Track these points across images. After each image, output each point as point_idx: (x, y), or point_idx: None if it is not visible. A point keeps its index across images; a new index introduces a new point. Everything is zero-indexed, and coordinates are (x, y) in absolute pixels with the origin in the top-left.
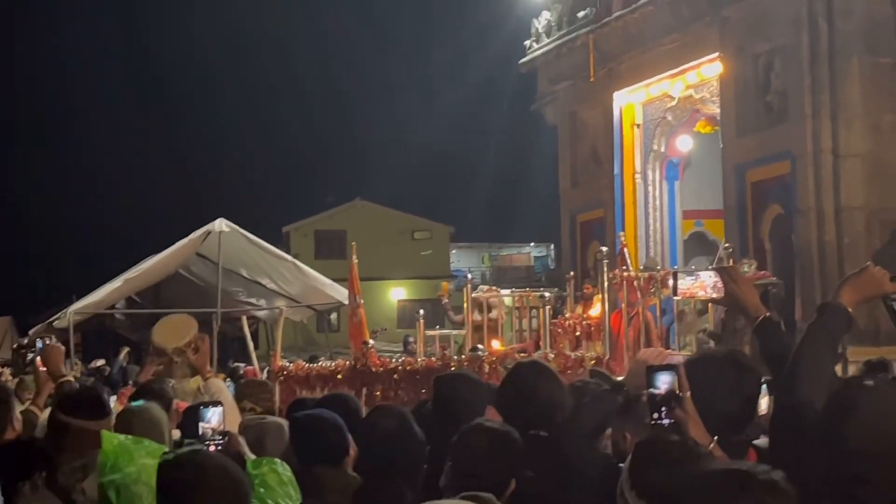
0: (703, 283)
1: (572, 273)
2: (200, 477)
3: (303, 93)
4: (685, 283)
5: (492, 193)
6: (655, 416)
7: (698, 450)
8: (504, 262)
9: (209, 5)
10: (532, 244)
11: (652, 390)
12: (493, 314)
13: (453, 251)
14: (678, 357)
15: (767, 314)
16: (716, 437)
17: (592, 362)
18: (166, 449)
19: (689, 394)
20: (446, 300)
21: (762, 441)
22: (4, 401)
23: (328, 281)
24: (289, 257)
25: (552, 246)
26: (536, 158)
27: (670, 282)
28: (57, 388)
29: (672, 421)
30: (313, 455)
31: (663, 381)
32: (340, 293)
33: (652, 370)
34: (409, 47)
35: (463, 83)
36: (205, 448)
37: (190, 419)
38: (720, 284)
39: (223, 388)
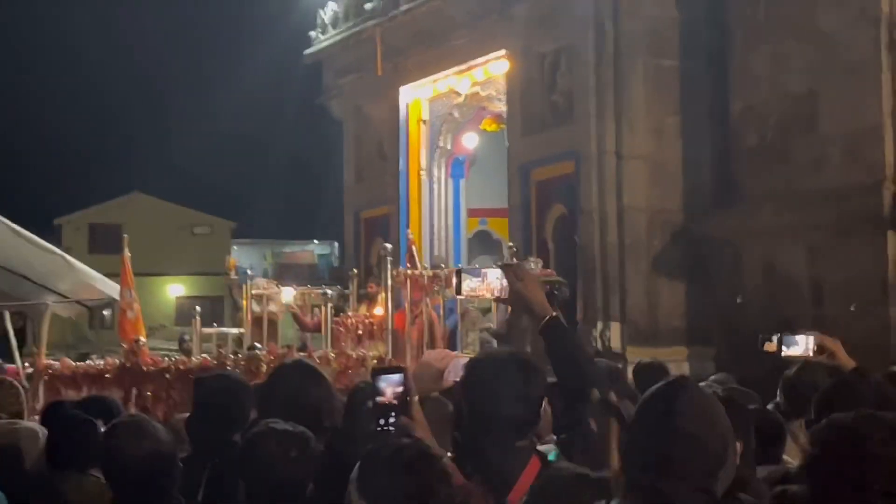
0: (488, 284)
1: (356, 270)
2: None
3: (80, 78)
4: (471, 283)
5: (276, 189)
6: (381, 422)
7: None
8: (287, 259)
9: None
10: (315, 242)
11: (378, 397)
12: (273, 308)
13: (234, 248)
14: (463, 358)
15: (554, 314)
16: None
17: (374, 361)
18: None
19: (416, 398)
20: (234, 277)
21: (546, 447)
22: None
23: (99, 276)
24: (57, 250)
25: (336, 244)
26: (322, 154)
27: (454, 280)
28: None
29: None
30: (65, 461)
31: (389, 385)
32: (113, 289)
33: (377, 374)
34: (193, 36)
35: (248, 75)
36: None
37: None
38: (506, 283)
39: None
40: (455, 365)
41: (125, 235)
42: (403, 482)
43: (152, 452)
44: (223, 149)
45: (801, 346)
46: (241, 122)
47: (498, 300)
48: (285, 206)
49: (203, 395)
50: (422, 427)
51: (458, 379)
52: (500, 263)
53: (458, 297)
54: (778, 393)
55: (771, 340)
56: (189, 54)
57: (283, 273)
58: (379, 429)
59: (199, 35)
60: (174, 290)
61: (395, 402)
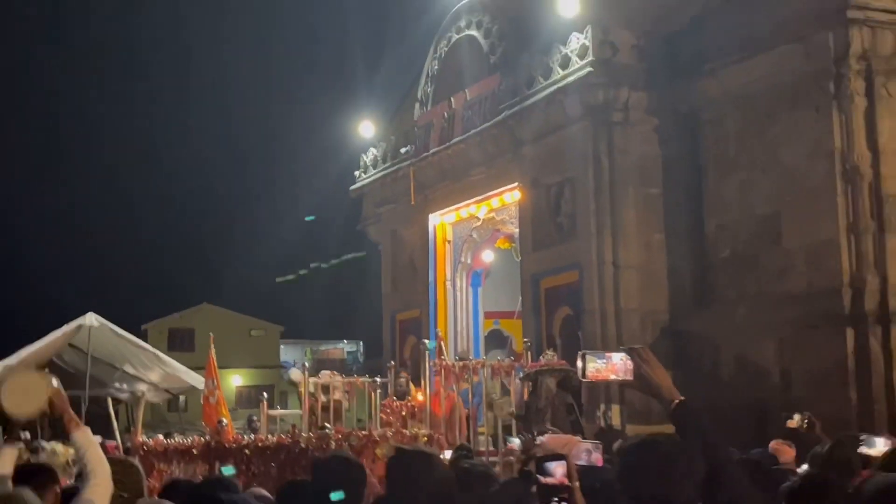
0: (613, 365)
1: (392, 363)
2: None
3: (162, 206)
4: (595, 365)
5: (316, 298)
6: (553, 500)
7: None
8: (322, 355)
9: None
10: (345, 341)
11: (543, 478)
12: (337, 395)
13: (282, 346)
14: (585, 444)
15: (682, 398)
16: None
17: (425, 439)
18: None
19: (577, 483)
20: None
21: None
22: None
23: (184, 368)
24: (149, 347)
25: (361, 342)
26: (356, 270)
27: (579, 364)
28: None
29: None
30: None
31: (555, 470)
32: (193, 378)
33: (543, 460)
34: (260, 178)
35: (300, 203)
36: None
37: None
38: (630, 366)
39: (94, 441)
40: (578, 449)
41: (210, 334)
42: None
43: None
44: (276, 266)
45: (880, 446)
46: (289, 245)
47: (626, 384)
48: (324, 311)
49: (323, 475)
50: None
51: (583, 463)
52: (624, 347)
53: (583, 379)
54: None
55: (792, 418)
56: (250, 188)
57: (319, 366)
58: None
59: (259, 171)
60: (235, 380)
61: (560, 484)
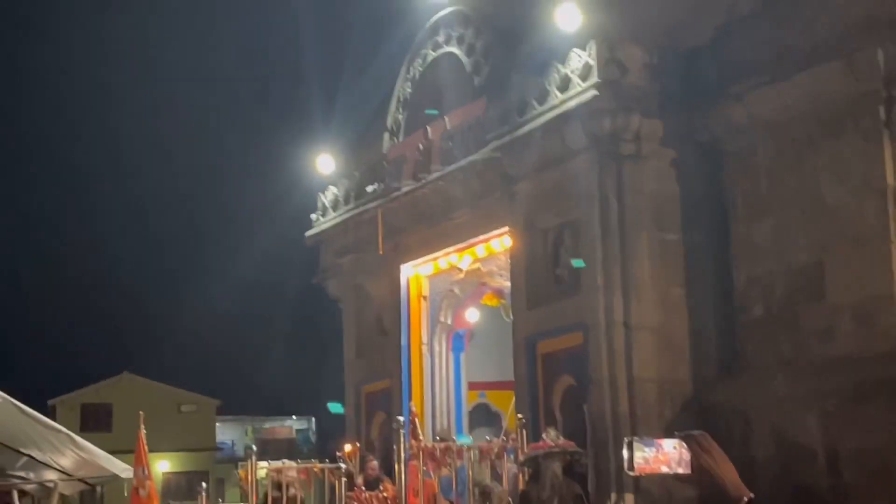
0: (666, 455)
1: (357, 444)
2: None
3: (68, 262)
4: (644, 454)
5: (259, 366)
6: None
7: None
8: (266, 434)
9: None
10: (294, 417)
11: None
12: (292, 492)
13: (218, 424)
14: None
15: (752, 495)
16: None
17: None
18: None
19: None
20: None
21: None
22: None
23: (103, 453)
24: (62, 428)
25: (313, 419)
26: (310, 331)
27: (625, 453)
28: None
29: None
30: None
31: None
32: (115, 465)
33: None
34: (197, 220)
35: (245, 257)
36: None
37: None
38: (686, 456)
39: None
40: None
41: (141, 413)
42: None
43: None
44: (211, 328)
45: None
46: (232, 303)
47: (680, 479)
48: (268, 382)
49: None
50: None
51: None
52: (680, 433)
53: (630, 472)
54: None
55: None
56: (183, 232)
57: (263, 447)
58: None
59: (195, 216)
60: (161, 465)
61: None
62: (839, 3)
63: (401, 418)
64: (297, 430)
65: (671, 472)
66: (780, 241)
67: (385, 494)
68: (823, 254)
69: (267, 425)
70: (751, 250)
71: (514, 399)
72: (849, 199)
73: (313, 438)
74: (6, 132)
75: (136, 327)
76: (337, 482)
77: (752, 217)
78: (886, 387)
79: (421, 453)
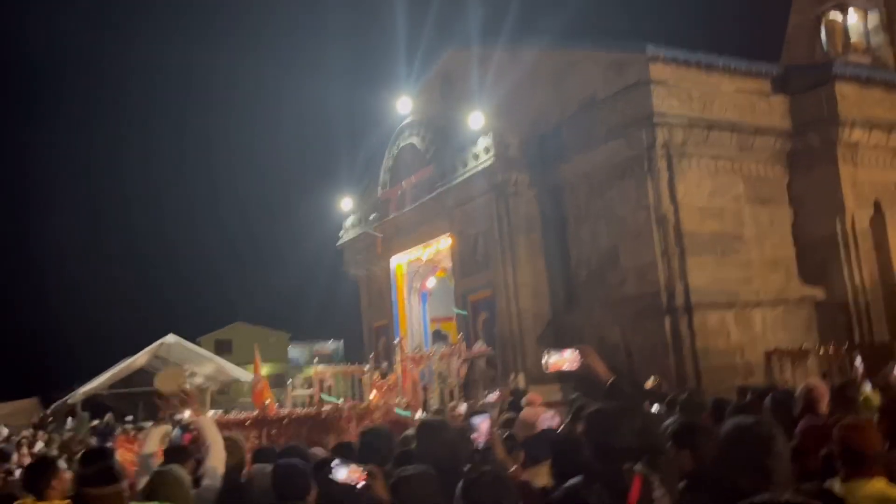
0: (566, 359)
1: (371, 354)
2: None
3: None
4: (554, 359)
5: (314, 313)
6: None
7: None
8: (317, 352)
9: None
10: (331, 340)
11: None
12: (328, 383)
13: (290, 346)
14: (548, 413)
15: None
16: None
17: (406, 404)
18: None
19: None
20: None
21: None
22: (50, 463)
23: (229, 364)
24: (209, 353)
25: (342, 341)
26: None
27: (543, 358)
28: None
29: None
30: (290, 493)
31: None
32: (237, 372)
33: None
34: (256, 237)
35: (301, 259)
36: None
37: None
38: (577, 358)
39: (211, 423)
40: (544, 417)
41: (256, 345)
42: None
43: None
44: (283, 294)
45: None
46: (292, 286)
47: (573, 370)
48: (316, 321)
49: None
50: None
51: (551, 426)
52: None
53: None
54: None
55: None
56: (257, 250)
57: (316, 360)
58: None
59: (258, 235)
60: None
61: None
62: (621, 107)
63: (398, 339)
64: (333, 349)
65: (569, 369)
66: (594, 236)
67: (391, 381)
68: (618, 241)
69: (317, 346)
70: (577, 242)
71: (455, 326)
72: (629, 213)
73: (342, 352)
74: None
75: (245, 290)
76: (364, 375)
77: (577, 224)
78: (651, 310)
79: (410, 359)
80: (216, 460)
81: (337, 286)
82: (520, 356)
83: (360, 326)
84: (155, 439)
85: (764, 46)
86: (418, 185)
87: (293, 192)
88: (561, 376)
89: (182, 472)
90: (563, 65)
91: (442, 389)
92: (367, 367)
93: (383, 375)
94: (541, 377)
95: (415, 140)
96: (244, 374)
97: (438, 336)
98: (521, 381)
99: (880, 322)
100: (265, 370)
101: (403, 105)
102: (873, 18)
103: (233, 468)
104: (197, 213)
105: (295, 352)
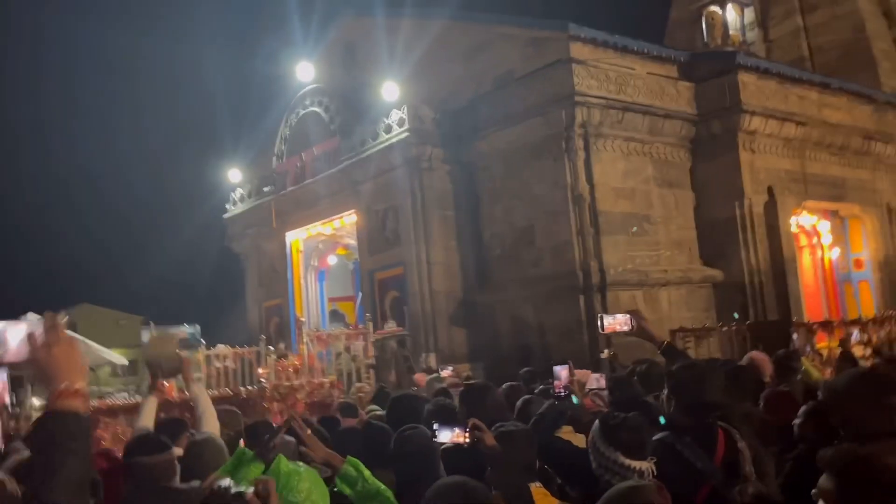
0: (621, 321)
1: (264, 337)
2: None
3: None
4: (610, 322)
5: (176, 294)
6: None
7: None
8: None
9: None
10: (184, 324)
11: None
12: (228, 363)
13: (143, 330)
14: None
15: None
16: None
17: (330, 382)
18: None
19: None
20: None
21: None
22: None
23: (104, 349)
24: (84, 338)
25: (198, 325)
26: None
27: (598, 322)
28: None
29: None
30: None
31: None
32: (109, 356)
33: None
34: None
35: (182, 232)
36: None
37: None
38: (629, 322)
39: (205, 393)
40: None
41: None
42: None
43: None
44: (150, 272)
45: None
46: (169, 261)
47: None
48: (171, 302)
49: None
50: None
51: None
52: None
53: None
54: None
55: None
56: (144, 219)
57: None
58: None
59: (151, 207)
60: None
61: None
62: (541, 85)
63: (303, 319)
64: (189, 333)
65: (622, 330)
66: (508, 214)
67: (296, 363)
68: (534, 220)
69: (171, 330)
70: (492, 220)
71: (353, 305)
72: (546, 192)
73: (200, 338)
74: None
75: (95, 271)
76: (268, 358)
77: (492, 202)
78: (566, 290)
79: (315, 339)
80: (210, 427)
81: (205, 266)
82: (432, 335)
83: (220, 309)
84: (150, 412)
85: (651, 34)
86: (321, 157)
87: (165, 163)
88: (471, 356)
89: (220, 441)
90: (478, 39)
91: (350, 370)
92: (267, 350)
93: (280, 357)
94: (452, 356)
95: (318, 109)
96: (119, 359)
97: (336, 316)
98: (432, 361)
99: (772, 301)
100: (119, 355)
101: (304, 71)
102: (749, 14)
103: (232, 439)
104: (47, 185)
105: (149, 336)
